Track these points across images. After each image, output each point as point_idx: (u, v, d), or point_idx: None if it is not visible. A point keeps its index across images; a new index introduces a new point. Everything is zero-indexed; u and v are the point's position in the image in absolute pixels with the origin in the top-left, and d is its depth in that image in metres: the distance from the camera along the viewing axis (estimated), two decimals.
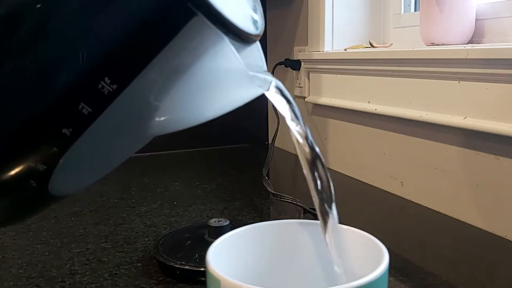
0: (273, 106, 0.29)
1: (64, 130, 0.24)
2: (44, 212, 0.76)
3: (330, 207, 0.32)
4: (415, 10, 0.96)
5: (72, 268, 0.56)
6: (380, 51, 0.83)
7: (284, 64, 1.13)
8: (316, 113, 1.06)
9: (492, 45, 0.63)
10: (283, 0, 1.16)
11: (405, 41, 0.95)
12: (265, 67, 0.31)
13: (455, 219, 0.70)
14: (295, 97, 1.15)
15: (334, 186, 0.32)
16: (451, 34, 0.76)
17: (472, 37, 0.77)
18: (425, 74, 0.73)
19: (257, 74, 0.29)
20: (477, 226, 0.67)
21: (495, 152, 0.64)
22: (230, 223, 0.57)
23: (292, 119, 0.31)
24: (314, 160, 0.32)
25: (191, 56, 0.25)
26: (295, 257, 0.36)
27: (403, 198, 0.80)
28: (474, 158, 0.67)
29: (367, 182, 0.90)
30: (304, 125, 0.31)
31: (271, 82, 0.29)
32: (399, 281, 0.51)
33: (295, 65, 1.10)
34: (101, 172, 0.27)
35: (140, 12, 0.22)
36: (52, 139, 0.24)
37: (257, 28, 0.28)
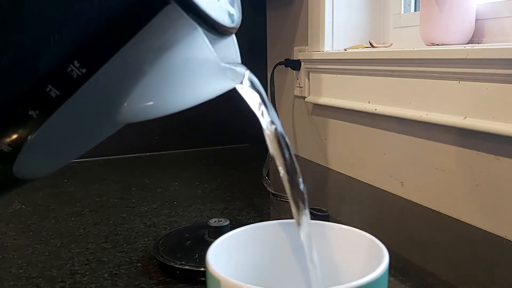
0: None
1: (30, 112, 0.23)
2: (44, 212, 0.76)
3: (304, 203, 0.31)
4: (415, 10, 0.96)
5: (72, 268, 0.56)
6: (380, 51, 0.83)
7: (284, 64, 1.13)
8: (316, 113, 1.06)
9: (492, 45, 0.63)
10: (283, 0, 1.16)
11: (405, 41, 0.95)
12: (239, 61, 0.30)
13: (455, 219, 0.70)
14: (295, 97, 1.15)
15: (303, 179, 0.32)
16: (451, 34, 0.76)
17: (472, 37, 0.77)
18: (425, 74, 0.73)
19: (230, 66, 0.28)
20: (477, 226, 0.67)
21: (495, 152, 0.64)
22: (230, 223, 0.57)
23: (264, 115, 0.30)
24: (286, 159, 0.31)
25: (162, 44, 0.24)
26: (295, 257, 0.36)
27: (403, 198, 0.80)
28: (474, 158, 0.67)
29: (367, 182, 0.90)
30: (277, 122, 0.30)
31: (244, 75, 0.29)
32: (399, 281, 0.51)
33: (295, 65, 1.10)
34: (69, 156, 0.27)
35: None
36: (18, 120, 0.24)
37: (233, 21, 0.27)
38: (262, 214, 0.73)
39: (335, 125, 1.00)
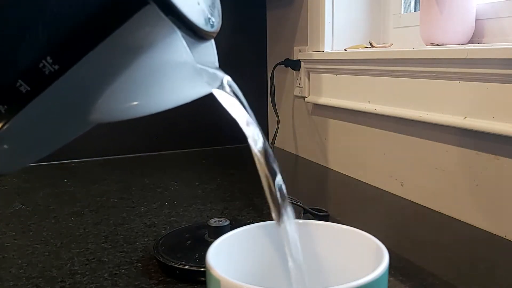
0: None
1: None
2: (44, 212, 0.76)
3: (285, 208, 0.32)
4: (415, 10, 0.96)
5: (72, 268, 0.56)
6: (380, 51, 0.83)
7: (284, 64, 1.13)
8: (316, 113, 1.06)
9: (492, 45, 0.63)
10: (283, 0, 1.16)
11: (405, 41, 0.95)
12: (217, 65, 0.30)
13: (455, 219, 0.70)
14: (295, 97, 1.15)
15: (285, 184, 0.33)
16: (451, 34, 0.76)
17: (472, 37, 0.77)
18: (425, 74, 0.73)
19: (206, 68, 0.28)
20: (477, 226, 0.67)
21: (495, 152, 0.64)
22: (230, 223, 0.57)
23: (244, 120, 0.30)
24: (268, 162, 0.31)
25: (139, 45, 0.24)
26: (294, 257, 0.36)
27: (403, 198, 0.80)
28: (474, 158, 0.67)
29: (367, 182, 0.90)
30: (257, 127, 0.30)
31: (222, 79, 0.28)
32: (399, 281, 0.51)
33: (295, 65, 1.10)
34: (38, 153, 0.27)
35: None
36: None
37: (212, 26, 0.27)
38: (262, 214, 0.73)
39: (335, 125, 1.00)
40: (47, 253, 0.60)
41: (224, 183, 0.92)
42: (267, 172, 0.31)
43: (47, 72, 0.22)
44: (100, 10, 0.22)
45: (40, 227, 0.69)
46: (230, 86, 0.28)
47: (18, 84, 0.22)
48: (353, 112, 0.92)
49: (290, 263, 0.32)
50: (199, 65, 0.26)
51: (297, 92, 1.12)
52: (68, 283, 0.52)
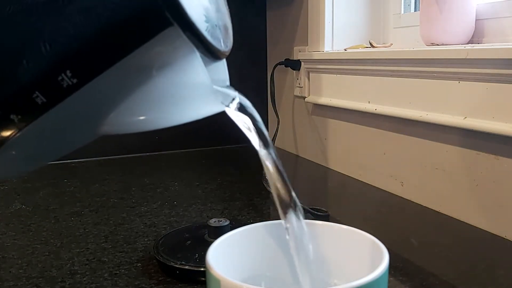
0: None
1: (12, 116, 0.23)
2: (44, 212, 0.76)
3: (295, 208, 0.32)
4: (415, 10, 0.96)
5: (72, 268, 0.56)
6: (380, 51, 0.83)
7: (284, 64, 1.13)
8: (316, 113, 1.06)
9: (492, 45, 0.63)
10: (283, 0, 1.16)
11: (405, 41, 0.95)
12: (228, 82, 0.31)
13: (455, 219, 0.70)
14: (295, 97, 1.15)
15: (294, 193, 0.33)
16: (451, 34, 0.76)
17: (472, 37, 0.77)
18: (425, 74, 0.73)
19: (222, 89, 0.29)
20: (477, 226, 0.67)
21: (495, 152, 0.64)
22: (230, 223, 0.57)
23: (256, 139, 0.31)
24: (279, 171, 0.32)
25: (158, 64, 0.25)
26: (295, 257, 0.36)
27: (403, 198, 0.80)
28: (474, 158, 0.67)
29: (367, 182, 0.90)
30: (271, 144, 0.31)
31: (233, 98, 0.30)
32: (399, 281, 0.51)
33: (295, 65, 1.10)
34: (43, 160, 0.27)
35: (115, 12, 0.22)
36: None
37: (226, 46, 0.28)
38: (262, 214, 0.73)
39: (335, 125, 1.00)
40: (47, 253, 0.60)
41: (224, 183, 0.92)
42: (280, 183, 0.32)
43: (65, 85, 0.23)
44: (125, 28, 0.22)
45: (40, 227, 0.69)
46: (242, 104, 0.30)
47: (35, 95, 0.23)
48: (353, 112, 0.92)
49: (299, 264, 0.32)
50: (214, 86, 0.27)
51: (297, 92, 1.12)
52: (68, 283, 0.52)
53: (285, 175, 0.32)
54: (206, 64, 0.26)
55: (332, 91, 0.98)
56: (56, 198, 0.84)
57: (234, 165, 1.11)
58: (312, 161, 1.09)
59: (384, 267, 0.28)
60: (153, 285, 0.52)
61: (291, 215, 0.32)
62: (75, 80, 0.23)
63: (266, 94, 1.28)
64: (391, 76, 0.81)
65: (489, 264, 0.56)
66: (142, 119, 0.25)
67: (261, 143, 0.31)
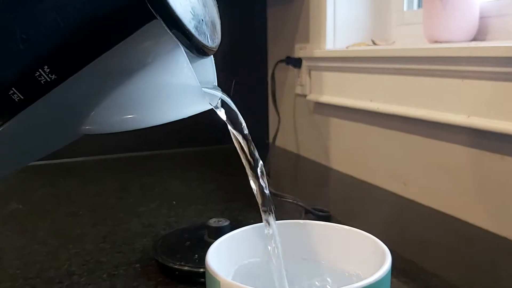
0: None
1: None
2: (41, 212, 0.75)
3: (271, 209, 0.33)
4: (418, 7, 0.95)
5: (70, 269, 0.55)
6: (382, 49, 0.82)
7: (285, 62, 1.12)
8: (318, 112, 1.05)
9: (496, 43, 0.62)
10: None
11: (408, 38, 0.94)
12: (215, 80, 0.31)
13: (459, 219, 0.69)
14: (296, 95, 1.14)
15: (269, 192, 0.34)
16: (455, 31, 0.75)
17: (476, 35, 0.76)
18: (428, 72, 0.72)
19: (209, 91, 0.28)
20: (481, 227, 0.66)
21: (500, 152, 0.63)
22: (230, 223, 0.56)
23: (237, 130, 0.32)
24: (257, 166, 0.33)
25: (141, 61, 0.24)
26: (295, 257, 0.35)
27: (406, 198, 0.79)
28: (479, 158, 0.66)
29: (369, 182, 0.89)
30: (250, 141, 0.32)
31: (220, 98, 0.30)
32: (402, 282, 0.50)
33: (296, 63, 1.09)
34: (25, 160, 0.26)
35: (94, 4, 0.21)
36: None
37: (213, 42, 0.27)
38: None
39: (337, 124, 0.99)
40: (44, 254, 0.59)
41: (224, 183, 0.91)
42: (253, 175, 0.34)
43: (42, 82, 0.22)
44: (105, 23, 0.21)
45: (37, 228, 0.69)
46: (226, 103, 0.30)
47: (11, 92, 0.22)
48: (355, 111, 0.91)
49: (274, 264, 0.32)
50: (199, 83, 0.26)
51: (298, 90, 1.11)
52: (65, 284, 0.51)
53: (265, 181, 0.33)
54: (192, 60, 0.25)
55: (334, 89, 0.97)
56: (53, 198, 0.83)
57: (234, 164, 1.10)
58: (314, 160, 1.08)
59: (387, 269, 0.27)
60: (152, 286, 0.51)
61: (268, 217, 0.33)
62: (53, 76, 0.22)
63: (266, 93, 1.27)
64: (394, 74, 0.80)
65: (493, 265, 0.55)
66: (124, 118, 0.24)
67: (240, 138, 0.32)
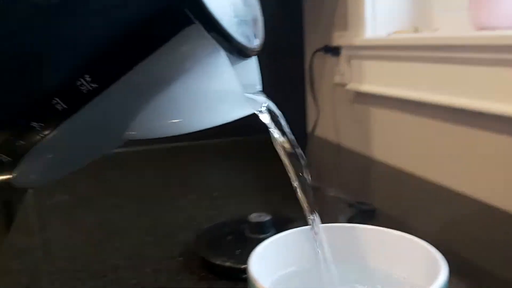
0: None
1: (33, 124, 0.23)
2: (86, 204, 0.77)
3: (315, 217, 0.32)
4: None
5: (115, 262, 0.56)
6: (425, 37, 0.79)
7: (323, 51, 1.10)
8: (358, 101, 1.03)
9: None
10: None
11: (452, 25, 0.91)
12: (258, 83, 0.30)
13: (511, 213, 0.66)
14: (335, 85, 1.12)
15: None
16: (504, 18, 0.72)
17: None
18: (475, 61, 0.69)
19: (252, 96, 0.28)
20: None
21: None
22: (271, 218, 0.55)
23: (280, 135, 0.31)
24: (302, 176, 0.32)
25: (181, 65, 0.23)
26: (346, 263, 0.34)
27: (454, 190, 0.77)
28: None
29: (414, 173, 0.86)
30: (295, 145, 0.32)
31: (262, 104, 0.29)
32: (457, 280, 0.49)
33: (335, 51, 1.07)
34: (68, 169, 0.27)
35: (134, 13, 0.21)
36: (20, 132, 0.23)
37: (256, 42, 0.26)
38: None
39: (379, 114, 0.97)
40: (90, 246, 0.61)
41: (264, 174, 0.91)
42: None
43: (84, 91, 0.22)
44: (143, 29, 0.21)
45: (82, 219, 0.70)
46: (269, 109, 0.30)
47: (54, 102, 0.22)
48: (398, 100, 0.89)
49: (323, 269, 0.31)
50: (241, 86, 0.26)
51: (337, 79, 1.09)
52: (110, 278, 0.52)
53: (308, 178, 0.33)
54: (234, 62, 0.25)
55: (375, 78, 0.95)
56: (97, 189, 0.85)
57: (275, 155, 1.09)
58: (355, 151, 1.06)
59: (444, 281, 0.26)
60: (195, 280, 0.51)
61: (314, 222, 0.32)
62: (94, 85, 0.22)
63: (304, 83, 1.25)
64: (438, 63, 0.77)
65: None
66: (166, 124, 0.24)
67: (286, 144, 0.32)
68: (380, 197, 0.77)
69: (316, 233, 0.31)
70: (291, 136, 0.31)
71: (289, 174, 0.32)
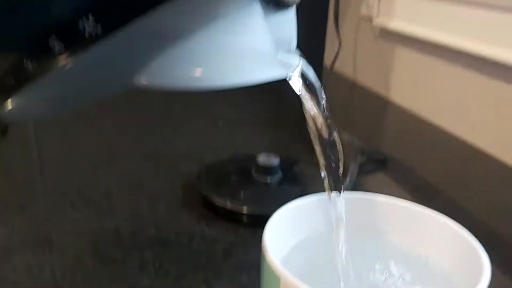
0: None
1: (53, 43, 0.19)
2: (85, 120, 0.73)
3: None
4: None
5: (109, 188, 0.53)
6: None
7: None
8: (383, 38, 0.96)
9: None
10: None
11: None
12: (295, 38, 0.26)
13: None
14: (360, 18, 1.04)
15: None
16: None
17: None
18: None
19: (285, 57, 0.24)
20: None
21: None
22: (279, 161, 0.51)
23: (313, 106, 0.27)
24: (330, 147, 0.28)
25: (208, 10, 0.20)
26: (363, 235, 0.30)
27: (472, 145, 0.72)
28: None
29: (432, 121, 0.81)
30: (326, 114, 0.28)
31: (296, 67, 0.25)
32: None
33: None
34: (66, 106, 0.24)
35: None
36: (36, 52, 0.20)
37: None
38: (312, 151, 0.67)
39: (404, 55, 0.90)
40: (84, 168, 0.57)
41: (274, 110, 0.86)
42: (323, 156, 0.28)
43: (87, 35, 0.19)
44: None
45: (80, 136, 0.66)
46: (304, 74, 0.26)
47: (51, 42, 0.19)
48: (427, 43, 0.82)
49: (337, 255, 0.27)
50: (275, 47, 0.23)
51: (364, 11, 1.01)
52: (103, 204, 0.49)
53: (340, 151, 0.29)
54: (269, 14, 0.22)
55: (406, 15, 0.87)
56: (98, 107, 0.81)
57: (289, 91, 1.04)
58: (372, 91, 1.00)
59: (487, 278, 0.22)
60: (193, 219, 0.48)
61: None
62: (99, 27, 0.19)
63: (327, 12, 1.16)
64: (480, 8, 0.69)
65: None
66: (183, 76, 0.21)
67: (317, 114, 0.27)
68: (394, 145, 0.73)
69: (333, 206, 0.27)
70: (326, 113, 0.28)
71: (318, 162, 0.29)
